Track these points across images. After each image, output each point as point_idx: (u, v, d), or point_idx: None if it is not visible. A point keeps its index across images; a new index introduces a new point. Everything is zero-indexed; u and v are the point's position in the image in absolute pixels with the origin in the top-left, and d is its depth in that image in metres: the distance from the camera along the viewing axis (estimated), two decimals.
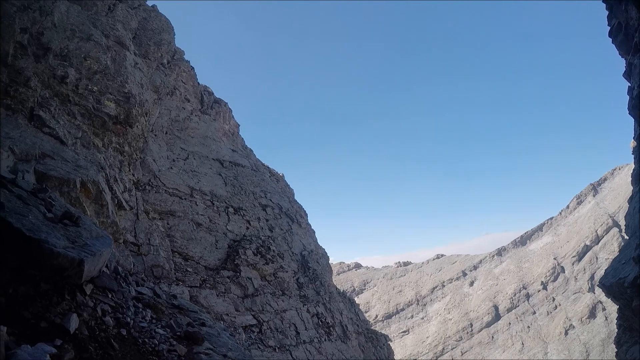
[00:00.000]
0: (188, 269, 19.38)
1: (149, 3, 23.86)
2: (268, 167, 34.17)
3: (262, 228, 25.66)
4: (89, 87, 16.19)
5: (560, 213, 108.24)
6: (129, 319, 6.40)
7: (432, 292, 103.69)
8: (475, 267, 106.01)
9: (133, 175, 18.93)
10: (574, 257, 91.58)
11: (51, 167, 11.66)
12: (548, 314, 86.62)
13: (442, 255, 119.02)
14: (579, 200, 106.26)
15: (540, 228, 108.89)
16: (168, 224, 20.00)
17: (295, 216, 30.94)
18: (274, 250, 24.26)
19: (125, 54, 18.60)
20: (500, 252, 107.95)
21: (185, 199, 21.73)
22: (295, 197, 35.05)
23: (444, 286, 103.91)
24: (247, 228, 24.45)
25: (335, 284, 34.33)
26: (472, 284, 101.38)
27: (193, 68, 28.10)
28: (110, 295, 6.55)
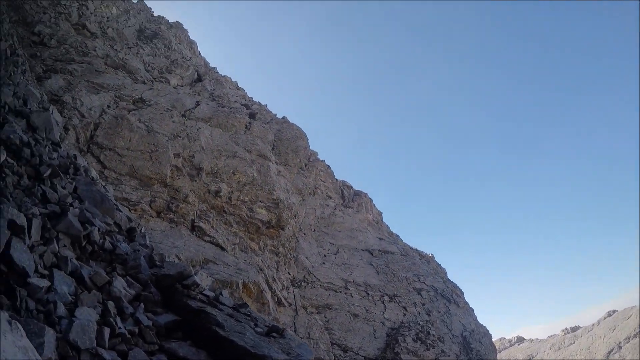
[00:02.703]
0: None
1: (279, 115, 24.91)
2: (417, 250, 32.79)
3: (419, 313, 24.05)
4: (241, 197, 16.76)
5: None
6: None
7: (607, 356, 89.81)
8: None
9: (289, 273, 18.98)
10: None
11: (214, 271, 12.20)
12: None
13: (614, 311, 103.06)
14: None
15: None
16: (326, 317, 19.54)
17: (452, 296, 28.80)
18: (433, 335, 22.47)
19: (269, 164, 19.16)
20: None
21: (340, 291, 21.14)
22: (448, 276, 32.89)
23: (620, 348, 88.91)
24: (404, 314, 23.10)
25: None
26: None
27: (329, 166, 28.48)
28: None
